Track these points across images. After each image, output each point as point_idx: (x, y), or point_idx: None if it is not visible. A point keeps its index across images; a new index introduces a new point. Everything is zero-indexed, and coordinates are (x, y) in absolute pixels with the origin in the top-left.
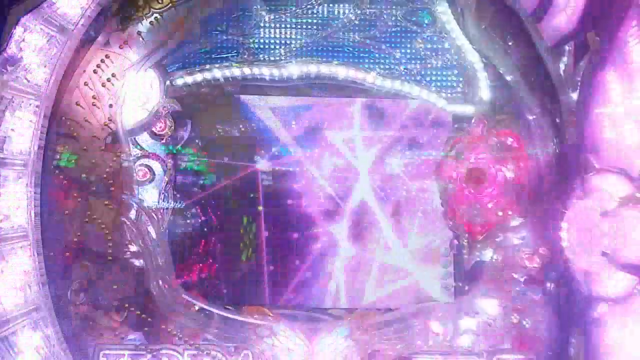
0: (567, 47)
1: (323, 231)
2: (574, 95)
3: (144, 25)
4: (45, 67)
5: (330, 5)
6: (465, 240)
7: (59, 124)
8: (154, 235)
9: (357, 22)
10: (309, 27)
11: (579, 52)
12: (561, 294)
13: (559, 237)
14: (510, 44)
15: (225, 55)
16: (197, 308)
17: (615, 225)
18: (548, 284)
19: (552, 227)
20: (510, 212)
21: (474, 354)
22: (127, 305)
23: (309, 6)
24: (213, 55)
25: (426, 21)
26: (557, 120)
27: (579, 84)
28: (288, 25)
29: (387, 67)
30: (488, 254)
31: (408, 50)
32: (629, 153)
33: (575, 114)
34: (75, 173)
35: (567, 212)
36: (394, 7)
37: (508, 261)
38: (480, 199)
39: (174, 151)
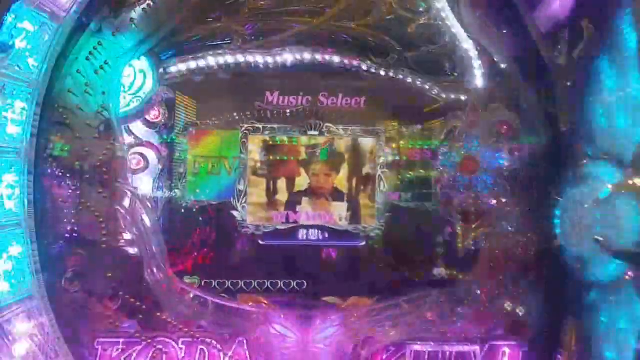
0: (561, 35)
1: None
2: (568, 84)
3: (136, 12)
4: (37, 54)
5: None
6: (459, 228)
7: (51, 112)
8: (148, 223)
9: (351, 10)
10: (304, 14)
11: (574, 40)
12: (554, 280)
13: (552, 224)
14: (505, 31)
15: (219, 43)
16: (191, 296)
17: (607, 213)
18: (541, 271)
19: (546, 214)
20: (504, 200)
21: (468, 341)
22: (121, 293)
23: None
24: (207, 43)
25: (421, 8)
26: (551, 109)
27: (573, 72)
28: (282, 13)
29: (381, 54)
30: (482, 242)
31: (402, 38)
32: (621, 141)
33: (569, 102)
34: (68, 161)
35: (560, 199)
36: None
37: (501, 248)
38: (474, 187)
39: (168, 140)
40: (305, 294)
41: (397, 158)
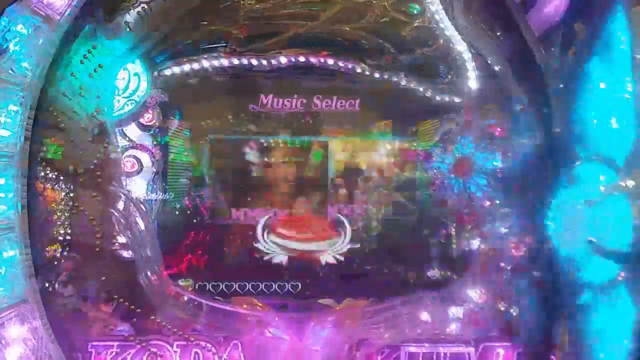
0: (554, 37)
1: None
2: (561, 85)
3: (131, 16)
4: (31, 57)
5: None
6: (454, 230)
7: (45, 115)
8: (142, 226)
9: (346, 13)
10: (299, 17)
11: (566, 42)
12: (547, 282)
13: (545, 225)
14: (498, 34)
15: (213, 46)
16: (186, 299)
17: (600, 214)
18: (534, 272)
19: (539, 215)
20: (497, 201)
21: (462, 342)
22: (115, 296)
23: None
24: (201, 46)
25: (415, 11)
26: (544, 110)
27: (566, 73)
28: (277, 16)
29: (376, 57)
30: (475, 243)
31: (397, 41)
32: (614, 142)
33: (562, 104)
34: (62, 164)
35: (553, 200)
36: None
37: (495, 250)
38: (468, 188)
39: (162, 142)
40: (299, 297)
41: (392, 159)
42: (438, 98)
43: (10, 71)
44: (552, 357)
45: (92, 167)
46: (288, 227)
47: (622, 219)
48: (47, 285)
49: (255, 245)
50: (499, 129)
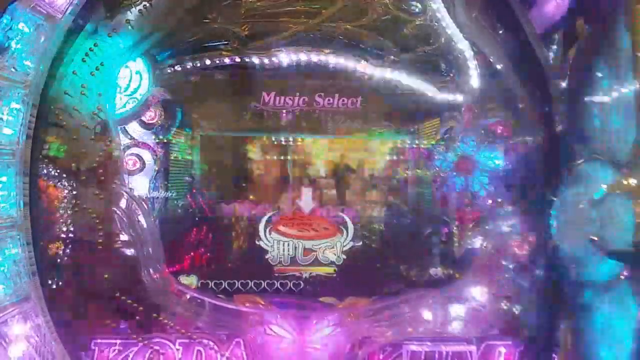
0: (556, 36)
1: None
2: (563, 84)
3: (132, 13)
4: (33, 55)
5: None
6: (456, 228)
7: (47, 113)
8: (144, 224)
9: (347, 11)
10: (300, 15)
11: (568, 41)
12: (550, 280)
13: (547, 224)
14: (500, 32)
15: (215, 44)
16: (188, 297)
17: (602, 212)
18: (537, 271)
19: (541, 214)
20: (499, 200)
21: (464, 340)
22: (118, 294)
23: None
24: (203, 44)
25: (416, 9)
26: (546, 109)
27: (568, 72)
28: (278, 14)
29: (377, 55)
30: (478, 242)
31: (398, 39)
32: (616, 141)
33: (564, 103)
34: (64, 162)
35: (555, 199)
36: None
37: (498, 248)
38: (470, 186)
39: (164, 140)
40: (302, 294)
41: (394, 158)
42: (440, 96)
43: (12, 69)
44: (554, 355)
45: (94, 165)
46: (290, 226)
47: (624, 218)
48: (49, 282)
49: (258, 243)
50: (501, 128)
